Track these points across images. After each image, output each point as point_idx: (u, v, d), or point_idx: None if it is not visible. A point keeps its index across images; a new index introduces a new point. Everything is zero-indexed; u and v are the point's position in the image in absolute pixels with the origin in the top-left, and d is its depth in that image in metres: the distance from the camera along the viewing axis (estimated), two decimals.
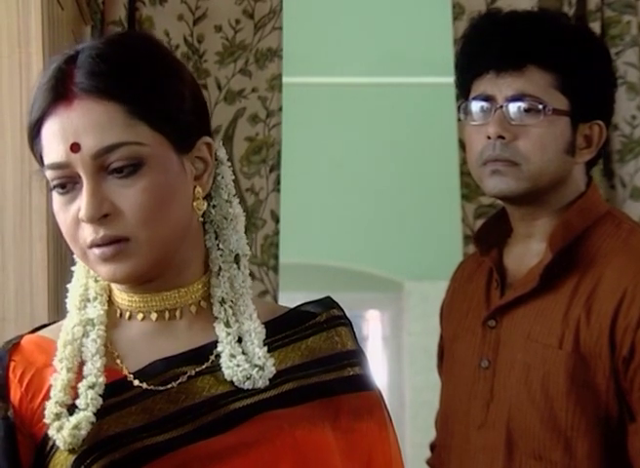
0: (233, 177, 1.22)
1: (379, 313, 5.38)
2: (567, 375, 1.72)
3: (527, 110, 1.75)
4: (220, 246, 1.21)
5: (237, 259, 1.21)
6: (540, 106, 1.74)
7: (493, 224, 1.88)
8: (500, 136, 1.75)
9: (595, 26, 2.42)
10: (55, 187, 1.16)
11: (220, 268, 1.21)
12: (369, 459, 1.22)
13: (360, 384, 1.23)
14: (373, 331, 5.38)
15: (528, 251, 1.82)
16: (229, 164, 1.23)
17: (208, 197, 1.21)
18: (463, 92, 1.83)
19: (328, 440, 1.19)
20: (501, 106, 1.75)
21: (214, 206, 1.21)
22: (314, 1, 4.51)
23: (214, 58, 2.37)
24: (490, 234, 1.87)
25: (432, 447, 1.98)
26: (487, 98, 1.77)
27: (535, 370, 1.74)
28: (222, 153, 1.22)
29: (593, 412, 1.72)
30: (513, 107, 1.75)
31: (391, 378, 5.17)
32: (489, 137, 1.75)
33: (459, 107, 1.82)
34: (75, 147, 1.13)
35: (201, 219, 1.21)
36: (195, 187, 1.18)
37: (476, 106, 1.78)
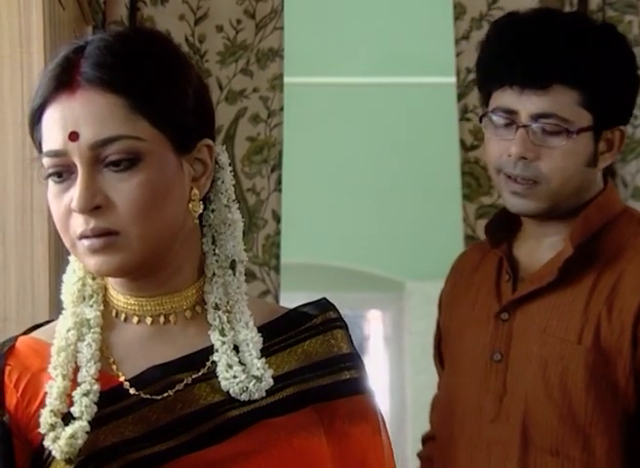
0: (234, 182, 1.22)
1: (380, 313, 5.37)
2: (586, 371, 1.71)
3: (551, 130, 1.73)
4: (217, 251, 1.20)
5: (233, 265, 1.20)
6: (565, 127, 1.72)
7: (503, 217, 1.86)
8: (523, 157, 1.73)
9: None
10: (51, 175, 1.15)
11: (214, 274, 1.20)
12: (362, 464, 1.21)
13: (355, 388, 1.23)
14: (374, 332, 5.38)
15: (540, 245, 1.81)
16: (230, 168, 1.22)
17: (207, 201, 1.20)
18: (483, 96, 1.82)
19: (324, 448, 1.19)
20: (525, 125, 1.73)
21: (212, 210, 1.20)
22: (316, 1, 4.51)
23: (215, 58, 2.37)
24: (500, 226, 1.86)
25: (425, 439, 1.96)
26: (509, 112, 1.75)
27: (553, 364, 1.73)
28: (224, 158, 1.21)
29: (612, 409, 1.72)
30: (537, 128, 1.73)
31: (393, 378, 5.17)
32: (510, 155, 1.74)
33: (480, 118, 1.80)
34: (74, 136, 1.13)
35: (196, 221, 1.19)
36: (192, 189, 1.17)
37: (498, 120, 1.76)
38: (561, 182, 1.74)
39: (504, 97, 1.75)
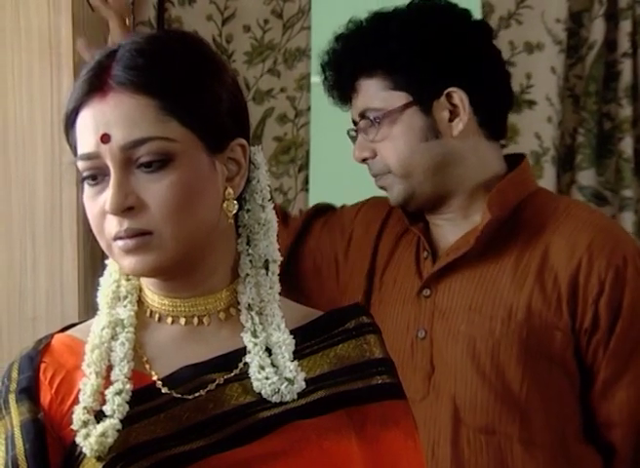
0: (269, 182, 1.22)
1: None
2: (520, 346, 1.69)
3: (371, 125, 1.75)
4: (250, 251, 1.21)
5: (266, 265, 1.21)
6: (377, 116, 1.74)
7: None
8: (365, 158, 1.78)
9: (626, 24, 2.41)
10: (85, 178, 1.17)
11: (247, 274, 1.21)
12: None
13: (387, 393, 1.23)
14: None
15: (448, 224, 1.78)
16: (266, 168, 1.22)
17: (243, 201, 1.21)
18: None
19: (354, 451, 1.19)
20: (358, 130, 1.78)
21: (248, 210, 1.21)
22: (343, 0, 4.50)
23: (242, 58, 2.38)
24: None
25: None
26: (355, 123, 1.80)
27: (482, 342, 1.70)
28: (260, 157, 1.22)
29: (547, 383, 1.69)
30: (361, 127, 1.77)
31: None
32: None
33: (349, 136, 1.84)
34: (105, 138, 1.14)
35: (231, 221, 1.20)
36: (226, 188, 1.18)
37: (352, 134, 1.82)
38: (401, 165, 1.74)
39: (351, 111, 1.81)
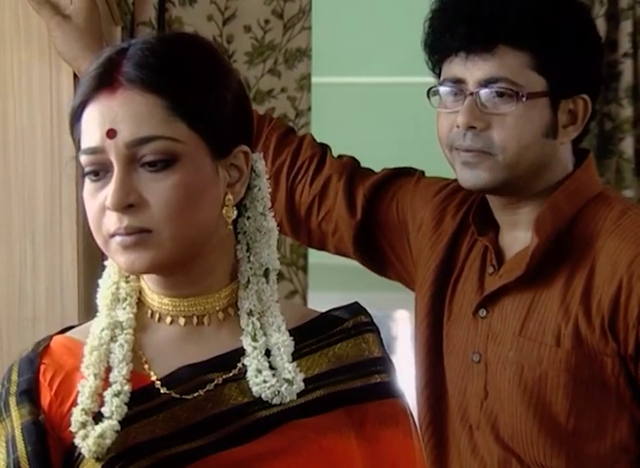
0: (270, 190, 1.22)
1: (408, 313, 5.37)
2: (568, 377, 1.59)
3: (500, 95, 1.59)
4: (251, 258, 1.21)
5: (267, 273, 1.21)
6: (515, 91, 1.58)
7: (486, 206, 1.70)
8: (472, 127, 1.60)
9: (627, 24, 2.42)
10: (87, 174, 1.16)
11: (248, 281, 1.21)
12: (393, 467, 1.21)
13: (386, 392, 1.23)
14: (402, 332, 5.37)
15: (515, 239, 1.66)
16: (267, 176, 1.23)
17: (243, 208, 1.21)
18: (434, 72, 1.70)
19: (353, 449, 1.19)
20: (472, 93, 1.60)
21: (248, 217, 1.21)
22: (343, 1, 4.51)
23: (243, 59, 2.38)
24: (487, 213, 1.69)
25: None
26: (457, 81, 1.62)
27: (529, 370, 1.61)
28: (261, 165, 1.22)
29: (604, 411, 1.60)
30: (485, 93, 1.59)
31: None
32: (458, 126, 1.61)
33: (428, 91, 1.66)
34: (111, 133, 1.14)
35: (230, 228, 1.20)
36: (226, 194, 1.18)
37: (446, 91, 1.63)
38: (517, 152, 1.59)
39: (451, 67, 1.63)
